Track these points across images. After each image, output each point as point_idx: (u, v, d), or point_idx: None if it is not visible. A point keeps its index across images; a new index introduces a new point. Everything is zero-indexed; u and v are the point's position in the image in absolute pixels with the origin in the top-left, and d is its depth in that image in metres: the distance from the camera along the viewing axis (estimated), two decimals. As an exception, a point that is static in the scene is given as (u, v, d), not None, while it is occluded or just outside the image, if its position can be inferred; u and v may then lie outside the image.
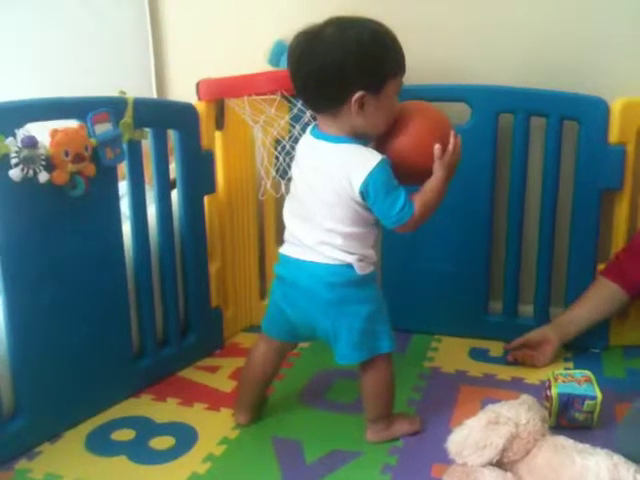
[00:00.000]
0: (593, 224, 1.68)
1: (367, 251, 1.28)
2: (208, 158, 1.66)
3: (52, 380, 1.35)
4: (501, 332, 1.75)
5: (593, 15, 1.70)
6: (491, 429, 1.16)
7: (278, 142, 1.75)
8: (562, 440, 1.19)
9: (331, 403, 1.51)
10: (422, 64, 1.79)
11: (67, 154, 1.26)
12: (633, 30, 1.69)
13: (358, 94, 1.19)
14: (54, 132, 1.26)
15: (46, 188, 1.25)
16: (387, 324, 1.32)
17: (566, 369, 1.56)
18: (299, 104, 1.67)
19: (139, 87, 1.90)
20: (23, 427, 1.31)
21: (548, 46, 1.74)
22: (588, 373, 1.40)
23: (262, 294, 1.92)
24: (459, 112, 1.71)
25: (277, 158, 1.75)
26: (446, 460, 1.20)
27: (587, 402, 1.34)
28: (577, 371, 1.43)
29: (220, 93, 1.66)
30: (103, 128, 1.35)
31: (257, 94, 1.66)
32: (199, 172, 1.64)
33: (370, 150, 1.23)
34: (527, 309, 1.81)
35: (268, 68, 1.82)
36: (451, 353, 1.74)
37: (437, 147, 1.23)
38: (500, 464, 1.17)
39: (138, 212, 1.50)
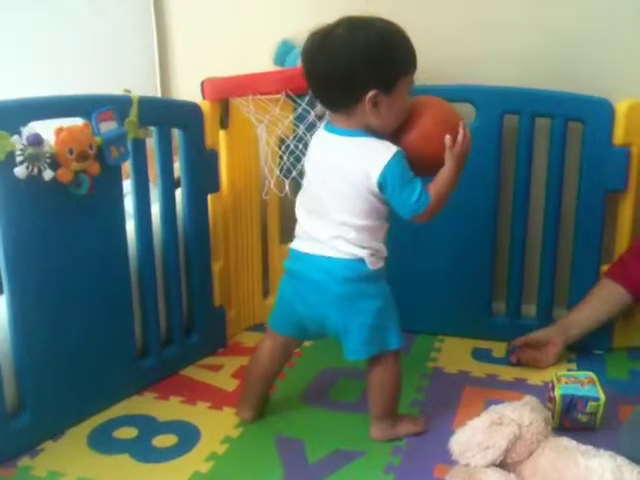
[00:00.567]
0: (597, 225, 1.68)
1: (378, 245, 1.30)
2: (212, 157, 1.66)
3: (55, 378, 1.35)
4: (504, 333, 1.75)
5: (599, 16, 1.70)
6: (494, 430, 1.16)
7: (282, 141, 1.76)
8: (565, 441, 1.19)
9: (334, 402, 1.51)
10: (427, 64, 1.78)
11: (71, 152, 1.26)
12: (639, 31, 1.69)
13: (371, 93, 1.21)
14: (59, 130, 1.26)
15: (50, 186, 1.25)
16: (396, 321, 1.33)
17: (569, 370, 1.56)
18: (303, 104, 1.67)
19: (144, 86, 1.90)
20: (26, 425, 1.31)
21: (553, 47, 1.74)
22: (591, 374, 1.40)
23: (265, 293, 1.92)
24: (464, 113, 1.69)
25: (281, 157, 1.75)
26: (449, 461, 1.20)
27: (590, 403, 1.34)
28: (580, 372, 1.43)
29: (225, 92, 1.66)
30: (108, 126, 1.35)
31: (262, 93, 1.66)
32: (203, 171, 1.64)
33: (385, 142, 1.25)
34: (530, 310, 1.81)
35: (273, 68, 1.82)
36: (454, 354, 1.74)
37: (448, 138, 1.25)
38: (503, 465, 1.17)
39: (142, 211, 1.50)
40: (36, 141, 1.20)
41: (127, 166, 1.46)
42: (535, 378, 1.59)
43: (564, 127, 1.66)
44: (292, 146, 1.72)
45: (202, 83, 1.64)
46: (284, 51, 1.82)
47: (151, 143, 1.52)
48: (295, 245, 1.34)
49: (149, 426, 1.42)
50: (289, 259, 1.36)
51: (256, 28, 1.91)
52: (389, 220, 1.32)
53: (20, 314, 1.28)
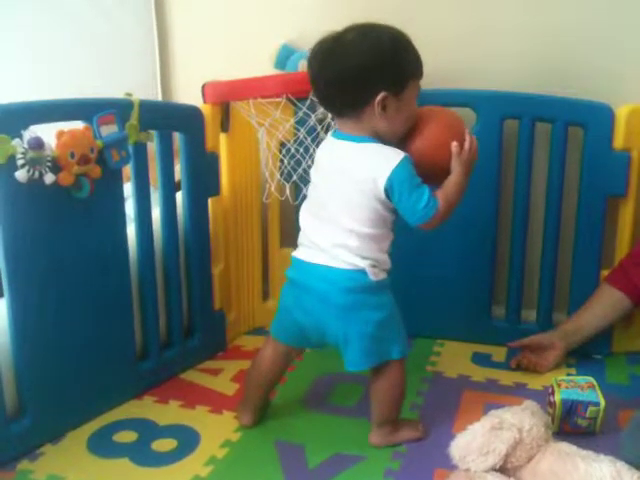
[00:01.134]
0: (597, 230, 1.68)
1: (381, 256, 1.29)
2: (213, 160, 1.67)
3: (55, 381, 1.35)
4: (504, 337, 1.74)
5: (599, 21, 1.71)
6: (494, 435, 1.16)
7: (283, 145, 1.76)
8: (565, 446, 1.19)
9: (334, 407, 1.51)
10: (427, 69, 1.78)
11: (73, 155, 1.26)
12: (639, 36, 1.69)
13: (381, 95, 1.21)
14: (60, 133, 1.26)
15: (52, 189, 1.25)
16: (399, 331, 1.33)
17: (569, 375, 1.56)
18: (304, 107, 1.67)
19: (145, 89, 1.90)
20: (26, 428, 1.31)
21: (554, 51, 1.74)
22: (591, 379, 1.40)
23: (265, 296, 1.92)
24: (464, 117, 1.70)
25: (282, 161, 1.76)
26: (449, 465, 1.20)
27: (590, 408, 1.34)
28: (580, 377, 1.43)
29: (226, 96, 1.66)
30: (109, 130, 1.35)
31: (263, 97, 1.66)
32: (204, 174, 1.64)
33: (392, 148, 1.25)
34: (530, 314, 1.81)
35: (274, 71, 1.82)
36: (454, 358, 1.74)
37: (455, 145, 1.26)
38: (503, 470, 1.17)
39: (143, 214, 1.50)
40: (37, 145, 1.20)
41: (128, 169, 1.46)
42: (535, 383, 1.59)
43: (564, 132, 1.66)
44: (293, 150, 1.72)
45: (203, 87, 1.64)
46: (285, 55, 1.82)
47: (152, 146, 1.52)
48: (298, 254, 1.33)
49: (149, 430, 1.41)
50: (291, 268, 1.35)
51: (257, 32, 1.91)
52: (394, 230, 1.32)
53: (20, 317, 1.28)
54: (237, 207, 1.79)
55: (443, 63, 1.79)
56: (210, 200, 1.68)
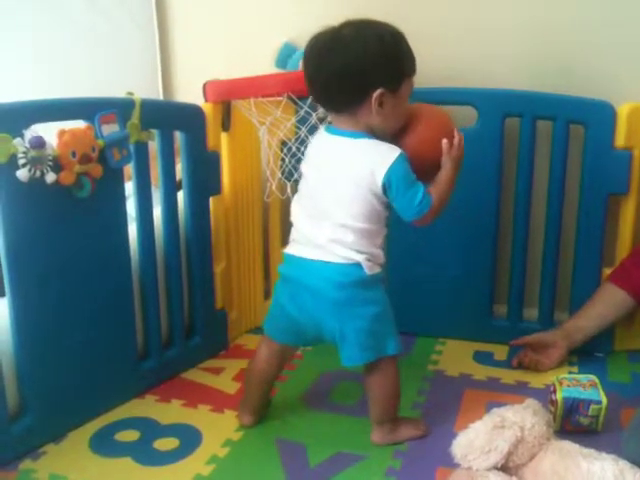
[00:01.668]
0: (599, 228, 1.68)
1: (375, 250, 1.30)
2: (214, 159, 1.66)
3: (57, 381, 1.35)
4: (506, 336, 1.74)
5: (601, 19, 1.70)
6: (496, 433, 1.16)
7: (284, 144, 1.76)
8: (567, 445, 1.19)
9: (335, 405, 1.51)
10: (428, 67, 1.78)
11: (74, 155, 1.26)
12: (641, 34, 1.69)
13: (379, 91, 1.22)
14: (61, 133, 1.26)
15: (53, 189, 1.25)
16: (393, 326, 1.33)
17: (571, 373, 1.56)
18: (305, 106, 1.67)
19: (146, 88, 1.90)
20: (28, 427, 1.31)
21: (555, 50, 1.74)
22: (593, 377, 1.40)
23: (267, 295, 1.92)
24: (465, 115, 1.71)
25: (283, 160, 1.75)
26: (451, 464, 1.20)
27: (592, 407, 1.34)
28: (582, 375, 1.42)
29: (227, 95, 1.66)
30: (110, 129, 1.35)
31: (264, 96, 1.66)
32: (205, 173, 1.64)
33: (388, 144, 1.27)
34: (532, 313, 1.81)
35: (275, 70, 1.82)
36: (455, 356, 1.73)
37: (445, 142, 1.28)
38: (505, 468, 1.17)
39: (144, 213, 1.50)
40: (39, 144, 1.20)
41: (129, 169, 1.46)
42: (537, 381, 1.59)
43: (566, 130, 1.66)
44: (294, 149, 1.72)
45: (204, 85, 1.64)
46: (286, 53, 1.82)
47: (153, 145, 1.52)
48: (291, 250, 1.33)
49: (150, 429, 1.41)
50: (284, 264, 1.35)
51: (258, 30, 1.91)
52: (388, 226, 1.32)
53: (22, 316, 1.28)
54: (238, 206, 1.79)
55: (444, 61, 1.79)
56: (211, 199, 1.68)
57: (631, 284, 1.60)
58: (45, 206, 1.28)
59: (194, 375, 1.64)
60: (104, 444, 1.36)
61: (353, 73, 1.22)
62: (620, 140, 1.61)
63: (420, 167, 1.27)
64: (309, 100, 1.65)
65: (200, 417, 1.46)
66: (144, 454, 1.33)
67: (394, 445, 1.35)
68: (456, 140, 1.29)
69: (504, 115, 1.68)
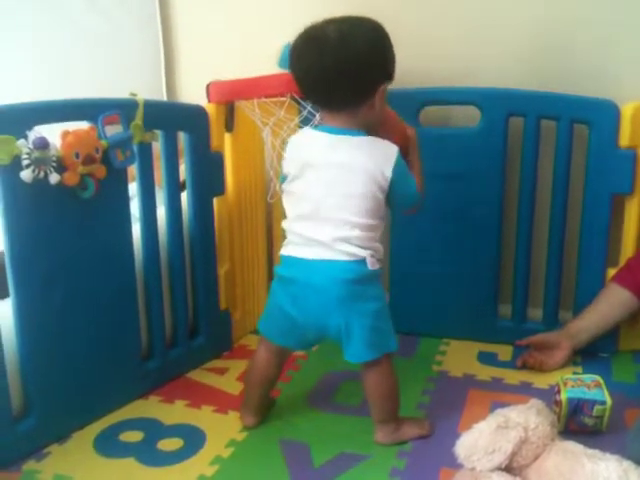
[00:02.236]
0: (603, 228, 1.67)
1: (377, 245, 1.31)
2: (218, 160, 1.67)
3: (61, 381, 1.35)
4: (510, 336, 1.74)
5: (604, 18, 1.70)
6: (500, 433, 1.15)
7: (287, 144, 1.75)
8: (571, 445, 1.18)
9: (339, 406, 1.51)
10: (431, 67, 1.79)
11: (78, 155, 1.26)
12: (645, 33, 1.69)
13: (383, 86, 1.26)
14: (65, 134, 1.26)
15: (57, 189, 1.25)
16: (392, 323, 1.34)
17: (575, 373, 1.55)
18: (308, 106, 1.67)
19: (149, 89, 1.91)
20: (32, 428, 1.32)
21: (559, 49, 1.73)
22: (598, 378, 1.40)
23: (270, 296, 1.92)
24: (469, 115, 1.71)
25: (286, 160, 1.75)
26: (454, 464, 1.20)
27: (596, 407, 1.33)
28: (586, 376, 1.42)
29: (230, 95, 1.66)
30: (114, 130, 1.35)
31: (267, 96, 1.66)
32: (209, 174, 1.64)
33: (385, 141, 1.29)
34: (536, 313, 1.81)
35: (278, 71, 1.82)
36: (459, 357, 1.73)
37: (413, 130, 1.37)
38: (509, 469, 1.16)
39: (148, 214, 1.50)
40: (42, 145, 1.20)
41: (133, 169, 1.46)
42: (541, 381, 1.58)
43: (570, 129, 1.65)
44: (297, 149, 1.72)
45: (207, 86, 1.64)
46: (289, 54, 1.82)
47: (157, 146, 1.52)
48: (289, 251, 1.32)
49: (154, 429, 1.42)
50: (282, 266, 1.34)
51: (261, 31, 1.92)
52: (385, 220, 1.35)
53: (26, 317, 1.28)
54: (242, 206, 1.79)
55: (447, 61, 1.79)
56: (215, 200, 1.68)
57: (636, 284, 1.60)
58: (49, 207, 1.28)
59: (198, 376, 1.64)
60: (108, 444, 1.36)
61: (361, 70, 1.22)
62: (624, 139, 1.61)
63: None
64: (311, 100, 1.65)
65: (204, 418, 1.46)
66: (148, 455, 1.33)
67: (398, 445, 1.34)
68: (409, 130, 1.38)
69: (508, 115, 1.68)
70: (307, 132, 1.35)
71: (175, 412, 1.48)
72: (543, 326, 1.75)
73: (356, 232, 1.27)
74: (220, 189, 1.69)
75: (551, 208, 1.72)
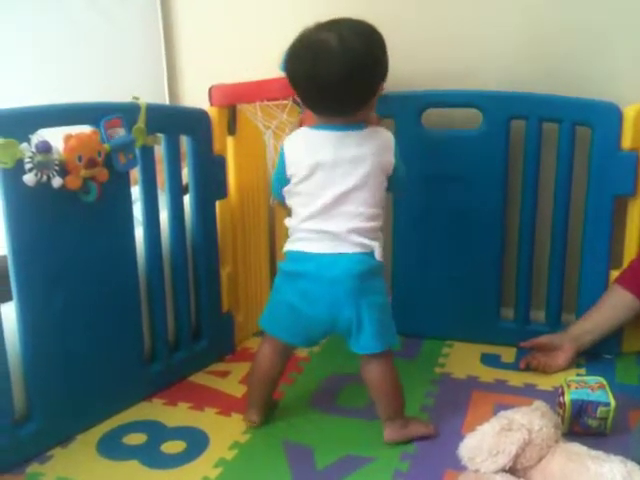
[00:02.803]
0: (606, 230, 1.67)
1: (381, 235, 1.35)
2: (220, 163, 1.67)
3: (64, 384, 1.36)
4: (513, 338, 1.74)
5: (606, 20, 1.70)
6: (504, 435, 1.15)
7: (289, 147, 1.75)
8: (575, 447, 1.18)
9: (342, 408, 1.50)
10: (432, 69, 1.79)
11: (80, 159, 1.27)
12: (646, 35, 1.69)
13: (382, 85, 1.31)
14: (67, 137, 1.26)
15: (59, 193, 1.26)
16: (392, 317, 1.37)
17: (579, 375, 1.55)
18: (311, 110, 1.67)
19: (151, 93, 1.91)
20: (35, 431, 1.32)
21: (561, 51, 1.73)
22: (601, 379, 1.40)
23: (273, 299, 1.92)
24: (470, 118, 1.71)
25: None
26: (458, 466, 1.20)
27: (600, 409, 1.33)
28: (590, 377, 1.42)
29: (232, 99, 1.66)
30: (116, 133, 1.35)
31: (269, 100, 1.66)
32: (211, 177, 1.64)
33: (379, 128, 1.36)
34: (539, 315, 1.80)
35: (280, 74, 1.82)
36: (462, 359, 1.73)
37: (380, 120, 1.44)
38: (513, 471, 1.16)
39: (150, 217, 1.50)
40: (45, 148, 1.20)
41: (135, 173, 1.47)
42: (545, 383, 1.58)
43: (572, 132, 1.65)
44: (299, 152, 1.72)
45: (210, 90, 1.64)
46: (291, 57, 1.82)
47: (159, 150, 1.52)
48: (297, 247, 1.33)
49: (158, 432, 1.42)
50: (289, 262, 1.35)
51: (263, 34, 1.92)
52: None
53: (29, 320, 1.28)
54: (244, 209, 1.79)
55: (448, 63, 1.79)
56: (217, 203, 1.68)
57: (639, 286, 1.59)
58: (52, 210, 1.28)
59: (201, 378, 1.64)
60: (111, 447, 1.37)
61: (367, 75, 1.25)
62: (626, 141, 1.60)
63: None
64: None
65: (207, 420, 1.46)
66: (151, 457, 1.33)
67: (402, 447, 1.34)
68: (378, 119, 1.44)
69: (509, 117, 1.68)
70: (308, 132, 1.35)
71: (178, 415, 1.48)
72: (546, 328, 1.74)
73: (366, 223, 1.30)
74: (223, 192, 1.69)
75: (553, 210, 1.72)
